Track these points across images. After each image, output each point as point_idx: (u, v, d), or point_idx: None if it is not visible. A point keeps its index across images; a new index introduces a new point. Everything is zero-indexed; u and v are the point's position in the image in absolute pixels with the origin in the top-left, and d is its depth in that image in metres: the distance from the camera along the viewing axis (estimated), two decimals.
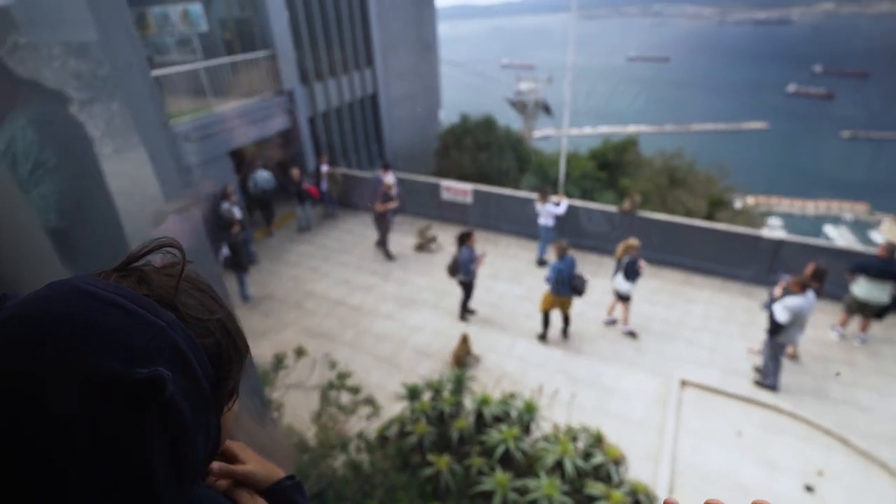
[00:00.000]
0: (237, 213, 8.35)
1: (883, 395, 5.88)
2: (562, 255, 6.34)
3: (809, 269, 6.07)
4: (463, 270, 6.92)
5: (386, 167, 10.11)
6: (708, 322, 7.28)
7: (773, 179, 49.06)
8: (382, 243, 9.48)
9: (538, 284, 7.81)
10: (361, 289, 8.58)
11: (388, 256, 9.48)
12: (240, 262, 7.87)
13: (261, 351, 5.83)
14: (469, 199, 10.24)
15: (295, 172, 10.18)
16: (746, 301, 7.78)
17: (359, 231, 10.72)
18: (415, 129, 16.89)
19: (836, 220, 43.71)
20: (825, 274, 6.05)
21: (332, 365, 4.96)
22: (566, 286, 6.44)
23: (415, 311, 7.92)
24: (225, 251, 7.68)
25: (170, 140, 7.41)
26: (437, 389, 4.73)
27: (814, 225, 41.46)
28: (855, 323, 6.72)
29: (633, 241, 6.55)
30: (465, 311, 7.53)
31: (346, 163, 13.87)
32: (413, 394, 4.70)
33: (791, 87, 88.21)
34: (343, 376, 4.69)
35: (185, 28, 10.05)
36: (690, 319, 7.42)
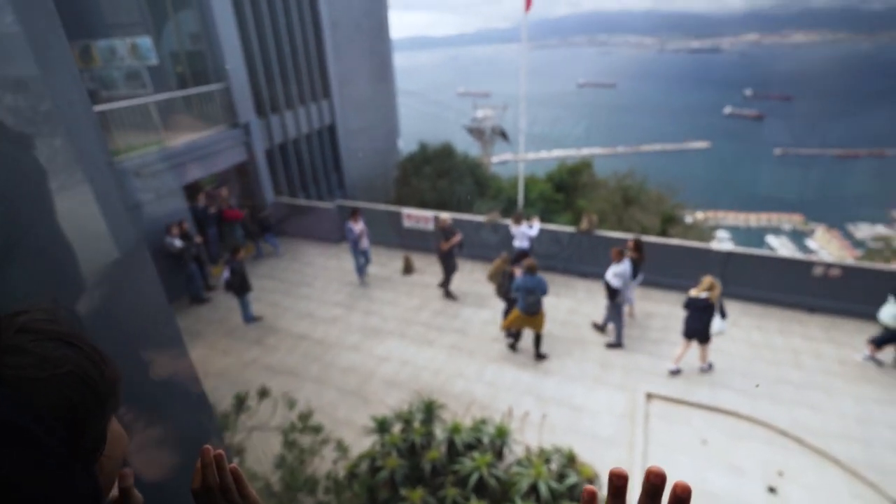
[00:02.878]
0: (177, 243, 8.44)
1: (831, 395, 6.20)
2: (530, 272, 6.43)
3: (631, 242, 7.58)
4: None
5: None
6: (668, 335, 7.50)
7: (717, 195, 52.07)
8: (446, 283, 8.95)
9: (503, 308, 7.88)
10: (325, 321, 8.38)
11: (449, 296, 8.94)
12: (240, 286, 7.94)
13: (221, 393, 5.56)
14: (431, 226, 10.28)
15: (200, 197, 9.81)
16: None
17: (320, 263, 10.54)
18: (374, 158, 16.96)
19: (776, 231, 46.73)
20: (643, 245, 7.62)
21: (291, 405, 4.77)
22: (522, 300, 6.52)
23: (381, 341, 7.78)
24: (226, 274, 7.96)
25: (117, 176, 7.14)
26: (406, 420, 4.62)
27: (757, 236, 44.11)
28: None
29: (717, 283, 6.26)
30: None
31: (306, 194, 13.72)
32: (382, 426, 4.57)
33: (727, 109, 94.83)
34: (305, 417, 4.52)
35: (134, 61, 9.81)
36: (650, 334, 7.63)
